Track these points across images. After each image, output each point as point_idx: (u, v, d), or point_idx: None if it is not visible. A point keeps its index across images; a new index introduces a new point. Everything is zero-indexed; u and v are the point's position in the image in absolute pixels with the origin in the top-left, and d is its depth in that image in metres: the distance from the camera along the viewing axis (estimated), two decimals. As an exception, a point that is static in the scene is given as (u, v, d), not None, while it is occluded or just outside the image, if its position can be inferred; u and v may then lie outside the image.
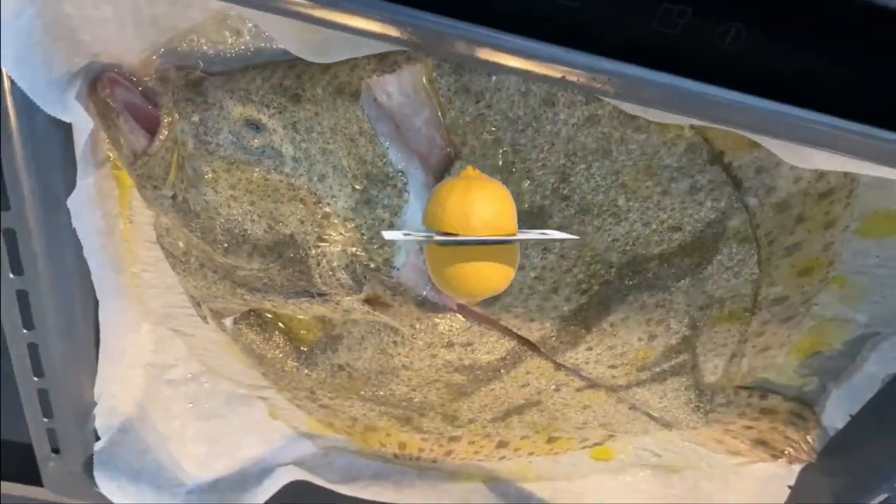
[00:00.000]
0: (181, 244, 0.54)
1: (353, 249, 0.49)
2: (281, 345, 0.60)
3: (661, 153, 0.47)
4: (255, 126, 0.47)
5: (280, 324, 0.60)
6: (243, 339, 0.60)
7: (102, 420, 0.66)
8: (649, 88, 0.37)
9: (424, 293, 0.52)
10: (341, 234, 0.49)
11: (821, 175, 0.49)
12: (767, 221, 0.51)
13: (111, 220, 0.55)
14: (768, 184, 0.49)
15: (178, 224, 0.51)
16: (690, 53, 0.40)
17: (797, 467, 0.68)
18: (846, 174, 0.49)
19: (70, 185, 0.50)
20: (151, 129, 0.48)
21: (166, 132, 0.47)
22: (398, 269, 0.50)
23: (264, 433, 0.71)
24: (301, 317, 0.58)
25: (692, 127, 0.46)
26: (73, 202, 0.50)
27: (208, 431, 0.70)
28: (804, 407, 0.65)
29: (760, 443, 0.67)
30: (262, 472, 0.71)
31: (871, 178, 0.49)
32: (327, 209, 0.48)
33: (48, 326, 0.56)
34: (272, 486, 0.70)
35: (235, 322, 0.60)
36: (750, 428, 0.66)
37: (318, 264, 0.50)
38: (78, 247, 0.52)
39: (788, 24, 0.41)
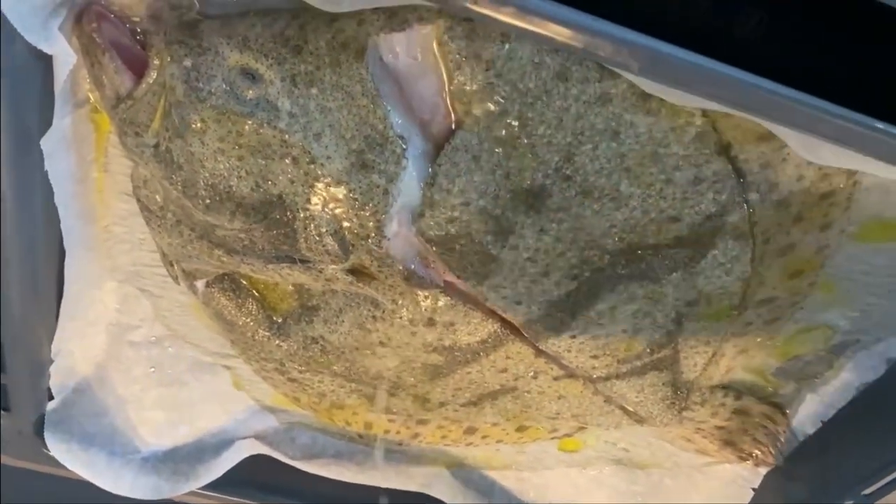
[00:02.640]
0: (158, 198, 0.52)
1: (344, 215, 0.47)
2: (254, 312, 0.58)
3: (670, 139, 0.45)
4: (252, 76, 0.44)
5: (255, 291, 0.57)
6: (214, 304, 0.58)
7: (58, 379, 0.63)
8: (673, 65, 0.36)
9: (412, 266, 0.50)
10: (333, 197, 0.47)
11: (824, 176, 0.48)
12: (766, 219, 0.50)
13: (85, 166, 0.52)
14: (771, 180, 0.48)
15: (158, 176, 0.48)
16: (715, 36, 0.39)
17: (763, 470, 0.69)
18: (849, 176, 0.49)
19: (45, 124, 0.47)
20: (138, 71, 0.45)
21: (154, 75, 0.44)
22: (388, 239, 0.48)
23: (227, 404, 0.69)
24: (279, 283, 0.55)
25: (704, 114, 0.45)
26: (46, 143, 0.47)
27: (169, 398, 0.67)
28: (776, 410, 0.65)
29: (729, 444, 0.67)
30: (221, 443, 0.69)
31: (871, 182, 0.49)
32: (321, 170, 0.46)
33: (10, 273, 0.53)
34: (230, 459, 0.67)
35: (208, 285, 0.57)
36: (721, 428, 0.66)
37: (305, 228, 0.48)
38: (48, 191, 0.49)
39: (811, 16, 0.40)
